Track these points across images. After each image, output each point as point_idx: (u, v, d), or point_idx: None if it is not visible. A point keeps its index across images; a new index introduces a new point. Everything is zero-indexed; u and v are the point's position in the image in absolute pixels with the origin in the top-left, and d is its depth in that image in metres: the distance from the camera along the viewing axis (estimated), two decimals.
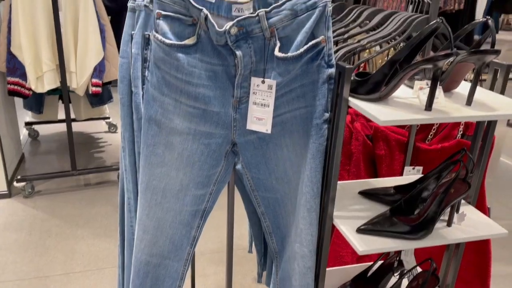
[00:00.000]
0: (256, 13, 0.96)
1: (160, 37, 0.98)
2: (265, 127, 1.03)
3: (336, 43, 1.42)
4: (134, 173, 1.19)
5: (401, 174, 1.42)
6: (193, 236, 1.16)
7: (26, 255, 2.19)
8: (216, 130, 1.06)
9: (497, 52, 0.89)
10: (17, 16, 2.40)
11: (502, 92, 1.03)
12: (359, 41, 1.31)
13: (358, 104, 0.93)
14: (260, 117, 1.03)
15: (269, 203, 1.16)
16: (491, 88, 1.06)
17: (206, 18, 0.95)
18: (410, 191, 1.11)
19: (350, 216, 1.07)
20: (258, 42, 0.99)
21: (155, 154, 1.09)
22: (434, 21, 0.84)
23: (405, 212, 1.03)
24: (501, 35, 8.22)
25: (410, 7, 1.31)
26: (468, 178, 1.05)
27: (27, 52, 2.43)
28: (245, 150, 1.09)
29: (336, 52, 1.30)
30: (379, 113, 0.87)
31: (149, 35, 1.04)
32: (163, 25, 0.98)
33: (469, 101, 0.94)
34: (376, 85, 0.92)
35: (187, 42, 0.99)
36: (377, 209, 1.11)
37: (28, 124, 3.48)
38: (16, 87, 2.65)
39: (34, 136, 3.56)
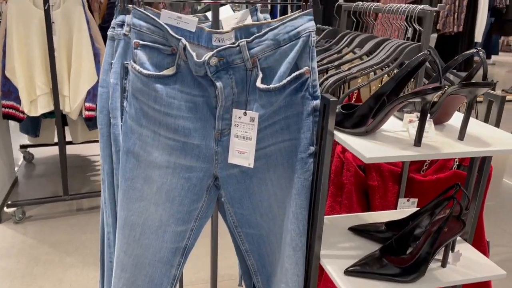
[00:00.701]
0: (237, 43, 0.92)
1: (137, 67, 0.94)
2: (248, 161, 0.98)
3: (326, 70, 1.38)
4: (113, 207, 1.14)
5: (395, 205, 1.37)
6: (173, 275, 1.10)
7: (13, 285, 2.12)
8: (197, 163, 1.01)
9: (490, 85, 0.84)
10: (12, 40, 2.39)
11: (497, 124, 0.98)
12: (349, 69, 1.27)
13: (343, 138, 0.88)
14: (242, 150, 0.98)
15: (254, 240, 1.10)
16: (486, 120, 1.01)
17: (184, 48, 0.91)
18: (402, 227, 1.06)
19: (339, 255, 1.01)
20: (240, 73, 0.95)
21: (134, 188, 1.04)
22: (422, 53, 0.80)
23: (396, 252, 0.97)
24: (501, 57, 8.22)
25: (410, 30, 1.27)
26: (463, 215, 0.99)
27: (21, 76, 2.41)
28: (227, 185, 1.03)
29: (325, 80, 1.26)
30: (365, 149, 0.82)
31: (128, 65, 1.00)
32: (141, 55, 0.95)
33: (462, 135, 0.89)
34: (362, 119, 0.87)
35: (166, 72, 0.95)
36: (368, 247, 1.05)
37: (22, 147, 3.44)
38: (10, 110, 2.63)
39: (29, 159, 3.52)
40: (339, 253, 1.02)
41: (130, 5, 0.98)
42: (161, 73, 0.95)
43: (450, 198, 0.94)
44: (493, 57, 7.44)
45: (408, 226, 1.01)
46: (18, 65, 2.41)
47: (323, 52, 1.50)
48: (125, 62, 1.02)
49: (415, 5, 1.24)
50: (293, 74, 0.93)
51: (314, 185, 0.97)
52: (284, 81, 0.92)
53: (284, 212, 1.04)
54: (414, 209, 1.33)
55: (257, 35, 0.92)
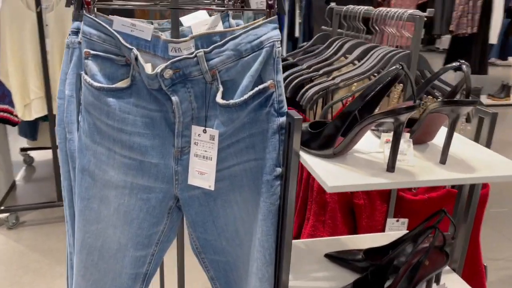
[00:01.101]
0: (194, 53, 0.83)
1: (88, 79, 0.86)
2: (208, 182, 0.89)
3: (311, 79, 1.28)
4: (74, 227, 1.06)
5: (383, 226, 1.26)
6: None
7: None
8: (155, 184, 0.93)
9: (474, 103, 0.73)
10: (5, 43, 2.35)
11: (487, 144, 0.87)
12: (333, 79, 1.17)
13: (308, 161, 0.79)
14: (202, 171, 0.89)
15: (220, 267, 1.01)
16: (476, 139, 0.91)
17: (136, 58, 0.83)
18: (383, 255, 0.95)
19: (309, 287, 0.92)
20: (199, 86, 0.86)
21: (90, 208, 0.96)
22: (394, 67, 0.70)
23: (372, 286, 0.87)
24: None
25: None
26: (448, 246, 0.88)
27: (14, 80, 2.37)
28: (189, 207, 0.95)
29: (306, 91, 1.17)
30: (328, 175, 0.72)
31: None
32: (92, 65, 0.87)
33: (443, 159, 0.78)
34: (329, 139, 0.77)
35: (120, 85, 0.87)
36: (343, 277, 0.95)
37: (23, 150, 3.42)
38: (5, 114, 2.59)
39: (29, 162, 3.49)
40: (311, 284, 0.93)
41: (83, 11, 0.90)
42: (113, 85, 0.86)
43: (432, 227, 0.84)
44: (510, 59, 7.21)
45: (387, 256, 0.90)
46: (11, 68, 2.37)
47: (312, 59, 1.41)
48: (81, 72, 0.94)
49: (405, 9, 1.13)
50: (256, 88, 0.84)
51: (281, 211, 0.88)
52: (246, 96, 0.83)
53: (251, 238, 0.94)
54: (403, 231, 1.23)
55: (216, 44, 0.84)
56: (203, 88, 0.86)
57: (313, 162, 0.78)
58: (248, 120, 0.87)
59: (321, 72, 1.26)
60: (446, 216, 0.89)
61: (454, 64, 0.76)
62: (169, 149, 0.90)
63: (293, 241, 1.08)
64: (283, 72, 1.37)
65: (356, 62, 1.27)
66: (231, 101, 0.83)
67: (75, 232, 1.00)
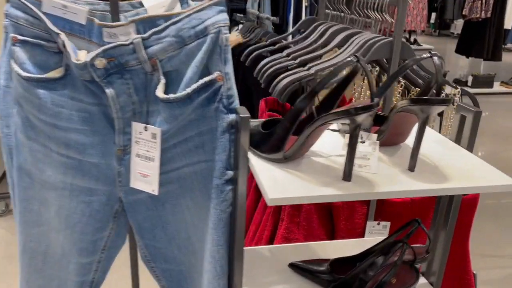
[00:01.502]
0: (130, 40, 0.73)
1: (17, 68, 0.77)
2: (151, 186, 0.80)
3: (287, 68, 1.17)
4: None
5: (363, 229, 1.16)
6: None
7: None
8: (97, 185, 0.83)
9: (446, 102, 0.62)
10: None
11: (469, 147, 0.76)
12: (309, 69, 1.06)
13: (255, 166, 0.69)
14: (145, 173, 0.79)
15: (172, 276, 0.92)
16: (457, 140, 0.79)
17: (64, 45, 0.73)
18: (351, 267, 0.85)
19: None
20: (139, 78, 0.76)
21: (30, 210, 0.87)
22: (348, 59, 0.59)
23: None
24: None
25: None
26: (418, 262, 0.78)
27: None
28: (135, 212, 0.85)
29: (279, 82, 1.06)
30: (272, 184, 0.62)
31: None
32: (21, 53, 0.77)
33: (411, 165, 0.67)
34: (279, 142, 0.67)
35: (51, 75, 0.77)
36: None
37: None
38: None
39: None
40: None
41: None
42: (44, 75, 0.77)
43: (400, 242, 0.73)
44: None
45: (353, 269, 0.80)
46: None
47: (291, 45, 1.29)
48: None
49: None
50: (201, 81, 0.73)
51: (232, 219, 0.78)
52: (189, 90, 0.73)
53: (204, 247, 0.85)
54: (383, 236, 1.12)
55: (155, 30, 0.73)
56: (144, 79, 0.76)
57: (259, 168, 0.67)
58: (195, 116, 0.77)
59: (297, 61, 1.15)
60: (420, 227, 0.78)
61: (424, 55, 0.64)
62: (110, 147, 0.81)
63: (258, 247, 0.99)
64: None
65: (337, 49, 1.15)
66: (171, 96, 0.73)
67: (17, 235, 0.91)
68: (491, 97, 4.97)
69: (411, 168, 0.67)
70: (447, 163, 0.71)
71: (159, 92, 0.74)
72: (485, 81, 4.93)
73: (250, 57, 1.43)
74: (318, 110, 0.69)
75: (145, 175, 0.80)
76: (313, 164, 0.69)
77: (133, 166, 0.80)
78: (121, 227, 0.89)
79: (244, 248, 0.97)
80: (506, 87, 5.08)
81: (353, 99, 1.42)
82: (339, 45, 1.12)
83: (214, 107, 0.76)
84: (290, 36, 1.65)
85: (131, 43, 0.73)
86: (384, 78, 1.18)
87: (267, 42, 1.52)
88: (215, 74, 0.74)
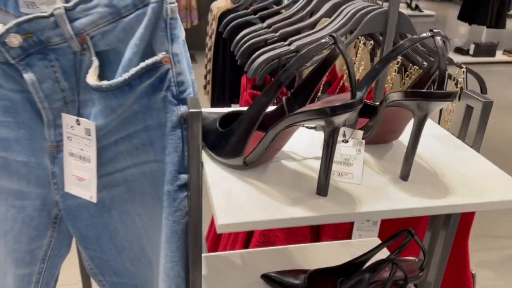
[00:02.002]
0: (50, 11, 0.57)
1: None
2: (89, 192, 0.65)
3: (265, 42, 1.01)
4: None
5: (352, 225, 1.03)
6: None
7: None
8: (28, 188, 0.69)
9: (450, 97, 0.47)
10: None
11: (475, 145, 0.62)
12: (290, 44, 0.90)
13: (208, 174, 0.54)
14: (80, 176, 0.65)
15: None
16: (461, 136, 0.65)
17: None
18: (333, 279, 0.73)
19: None
20: (68, 59, 0.61)
21: None
22: (322, 41, 0.43)
23: None
24: None
25: None
26: (410, 281, 0.65)
27: None
28: (75, 219, 0.72)
29: (254, 60, 0.90)
30: (224, 204, 0.48)
31: None
32: None
33: (404, 173, 0.53)
34: (237, 145, 0.52)
35: None
36: None
37: None
38: None
39: None
40: None
41: None
42: None
43: (387, 261, 0.60)
44: None
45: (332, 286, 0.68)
46: None
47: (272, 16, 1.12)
48: None
49: None
50: (142, 64, 0.58)
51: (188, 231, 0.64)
52: (126, 76, 0.58)
53: (159, 261, 0.72)
54: (372, 234, 1.00)
55: None
56: (73, 61, 0.61)
57: (213, 179, 0.53)
58: (139, 108, 0.62)
59: (278, 34, 0.99)
60: (414, 239, 0.65)
61: (424, 34, 0.49)
62: (40, 143, 0.66)
63: (227, 253, 0.86)
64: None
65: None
66: (104, 83, 0.57)
67: None
68: (493, 66, 4.78)
69: (404, 177, 0.53)
70: (448, 168, 0.57)
71: (90, 78, 0.59)
72: (487, 49, 4.73)
73: (227, 27, 1.26)
74: (289, 102, 0.54)
75: (80, 179, 0.65)
76: (281, 172, 0.55)
77: (66, 167, 0.66)
78: (64, 234, 0.75)
79: (211, 254, 0.84)
80: (509, 56, 4.88)
81: (344, 76, 1.27)
82: (327, 15, 0.96)
83: (161, 97, 0.61)
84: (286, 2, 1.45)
85: (52, 14, 0.57)
86: (379, 53, 1.02)
87: (249, 10, 1.34)
88: (160, 55, 0.58)
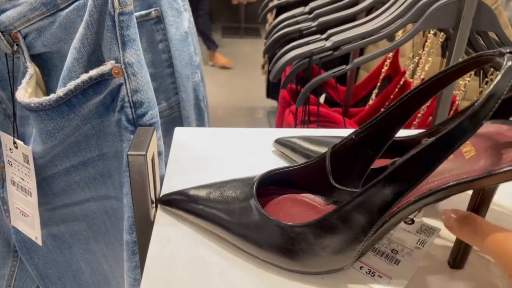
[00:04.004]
0: None
1: None
2: (33, 231, 0.51)
3: (289, 37, 0.81)
4: None
5: None
6: None
7: None
8: None
9: None
10: None
11: None
12: (327, 38, 0.70)
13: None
14: (24, 211, 0.51)
15: None
16: None
17: None
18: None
19: None
20: (0, 61, 0.46)
21: None
22: None
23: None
24: None
25: None
26: None
27: None
28: (32, 253, 0.58)
29: (280, 57, 0.71)
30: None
31: None
32: None
33: (456, 260, 0.33)
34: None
35: None
36: None
37: None
38: None
39: None
40: None
41: None
42: None
43: None
44: None
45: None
46: None
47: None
48: None
49: None
50: (83, 77, 0.41)
51: None
52: (61, 93, 0.41)
53: None
54: None
55: None
56: (6, 66, 0.46)
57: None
58: (91, 131, 0.46)
59: (316, 23, 0.78)
60: None
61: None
62: None
63: None
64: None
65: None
66: (34, 100, 0.42)
67: None
68: None
69: (456, 264, 0.33)
70: None
71: (20, 91, 0.43)
72: None
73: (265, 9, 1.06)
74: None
75: (25, 214, 0.51)
76: None
77: (10, 197, 0.52)
78: None
79: None
80: None
81: (407, 71, 1.03)
82: (379, 2, 0.73)
83: (114, 120, 0.44)
84: None
85: None
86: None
87: None
88: (109, 65, 0.41)
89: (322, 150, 0.45)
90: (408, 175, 0.29)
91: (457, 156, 0.32)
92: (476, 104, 0.27)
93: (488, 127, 0.33)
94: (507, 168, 0.28)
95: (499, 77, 0.27)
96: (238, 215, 0.35)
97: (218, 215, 0.36)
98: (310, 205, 0.39)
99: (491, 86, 0.27)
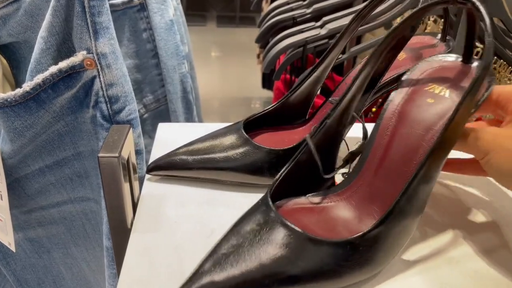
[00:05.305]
0: None
1: None
2: (7, 237, 0.48)
3: (282, 25, 0.77)
4: None
5: None
6: None
7: None
8: None
9: None
10: None
11: None
12: (322, 26, 0.66)
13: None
14: None
15: None
16: None
17: None
18: None
19: None
20: None
21: None
22: None
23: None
24: None
25: None
26: None
27: None
28: (8, 258, 0.55)
29: (273, 46, 0.68)
30: None
31: None
32: None
33: None
34: None
35: None
36: None
37: None
38: None
39: None
40: None
41: None
42: None
43: None
44: None
45: None
46: None
47: None
48: None
49: None
50: (52, 69, 0.38)
51: None
52: (28, 86, 0.38)
53: None
54: None
55: None
56: None
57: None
58: (65, 128, 0.42)
59: (310, 9, 0.74)
60: None
61: None
62: None
63: None
64: None
65: None
66: (2, 96, 0.38)
67: None
68: None
69: None
70: None
71: None
72: None
73: None
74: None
75: None
76: None
77: None
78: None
79: None
80: None
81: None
82: None
83: (89, 116, 0.41)
84: None
85: None
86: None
87: None
88: (80, 56, 0.37)
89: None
90: None
91: None
92: None
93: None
94: None
95: None
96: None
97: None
98: (308, 209, 0.35)
99: None
